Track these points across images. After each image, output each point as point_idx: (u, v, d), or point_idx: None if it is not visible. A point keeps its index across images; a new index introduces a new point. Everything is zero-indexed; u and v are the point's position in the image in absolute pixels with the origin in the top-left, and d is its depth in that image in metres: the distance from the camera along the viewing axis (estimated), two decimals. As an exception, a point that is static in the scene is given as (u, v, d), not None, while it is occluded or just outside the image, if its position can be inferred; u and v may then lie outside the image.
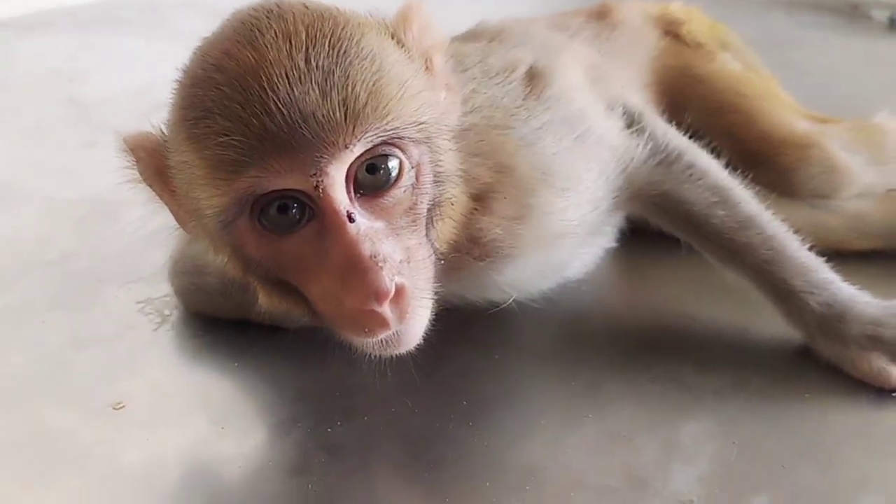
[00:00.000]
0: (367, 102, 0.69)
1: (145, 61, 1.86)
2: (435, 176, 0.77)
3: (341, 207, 0.70)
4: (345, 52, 0.70)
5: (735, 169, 1.01)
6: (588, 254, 1.04)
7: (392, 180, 0.73)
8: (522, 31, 1.07)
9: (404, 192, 0.74)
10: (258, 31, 0.70)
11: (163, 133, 0.77)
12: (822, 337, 0.89)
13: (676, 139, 0.96)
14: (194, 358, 0.96)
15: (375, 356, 0.77)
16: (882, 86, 1.67)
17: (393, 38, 0.76)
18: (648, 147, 0.94)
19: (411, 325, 0.74)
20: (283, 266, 0.75)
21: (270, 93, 0.67)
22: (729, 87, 1.18)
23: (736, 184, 0.95)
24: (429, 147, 0.75)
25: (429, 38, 0.79)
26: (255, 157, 0.67)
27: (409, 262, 0.74)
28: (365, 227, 0.71)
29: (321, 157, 0.68)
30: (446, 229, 0.81)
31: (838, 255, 0.96)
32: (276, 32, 0.70)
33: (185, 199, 0.76)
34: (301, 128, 0.67)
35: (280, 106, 0.67)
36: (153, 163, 0.77)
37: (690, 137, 1.01)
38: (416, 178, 0.75)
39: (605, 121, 0.95)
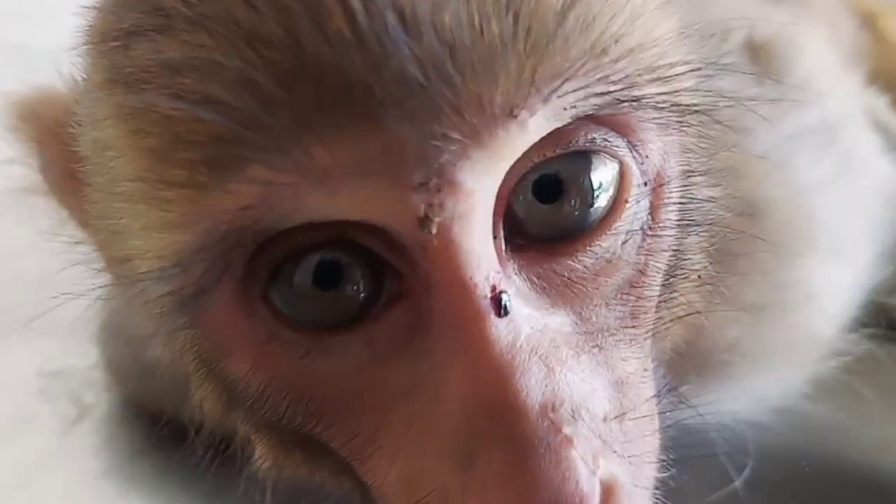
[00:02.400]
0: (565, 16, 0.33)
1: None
2: (685, 210, 0.40)
3: (478, 277, 0.34)
4: None
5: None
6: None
7: (600, 211, 0.37)
8: None
9: (624, 241, 0.38)
10: None
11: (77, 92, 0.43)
12: None
13: None
14: (126, 497, 0.57)
15: None
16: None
17: None
18: None
19: None
20: (313, 406, 0.39)
21: None
22: None
23: None
24: (680, 143, 0.39)
25: None
26: (272, 133, 0.32)
27: (622, 418, 0.37)
28: (531, 328, 0.35)
29: (448, 139, 0.32)
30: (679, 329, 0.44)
31: None
32: None
33: (104, 232, 0.41)
34: (408, 66, 0.31)
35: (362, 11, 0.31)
36: (58, 151, 0.44)
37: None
38: (652, 212, 0.39)
39: (866, 134, 0.62)
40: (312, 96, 0.31)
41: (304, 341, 0.36)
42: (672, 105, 0.36)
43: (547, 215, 0.36)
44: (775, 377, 0.55)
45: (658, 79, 0.36)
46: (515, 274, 0.35)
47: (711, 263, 0.45)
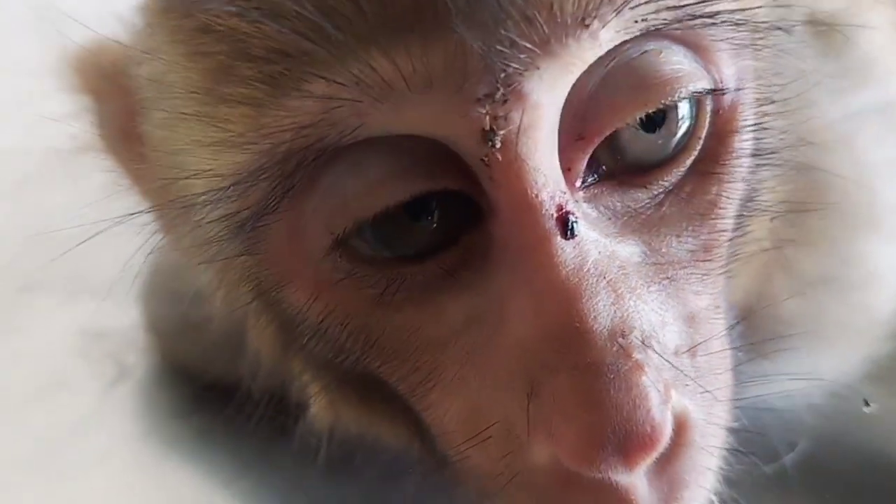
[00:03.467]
0: None
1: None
2: (759, 139, 0.39)
3: (544, 195, 0.33)
4: None
5: None
6: None
7: (677, 142, 0.36)
8: None
9: (695, 172, 0.37)
10: None
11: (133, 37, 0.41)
12: None
13: None
14: (166, 459, 0.56)
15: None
16: None
17: None
18: None
19: None
20: (379, 341, 0.37)
21: None
22: None
23: None
24: (755, 68, 0.39)
25: None
26: (332, 45, 0.31)
27: (694, 352, 0.36)
28: (599, 253, 0.34)
29: (516, 46, 0.31)
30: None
31: None
32: None
33: (165, 168, 0.39)
34: None
35: None
36: (119, 105, 0.43)
37: None
38: (725, 138, 0.37)
39: None
40: (376, 6, 0.30)
41: (373, 270, 0.35)
42: (748, 22, 0.35)
43: (640, 142, 0.35)
44: (832, 356, 0.54)
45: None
46: (584, 199, 0.35)
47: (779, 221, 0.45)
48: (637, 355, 0.32)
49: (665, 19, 0.32)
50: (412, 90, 0.30)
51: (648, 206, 0.35)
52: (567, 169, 0.34)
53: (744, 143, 0.37)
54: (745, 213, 0.39)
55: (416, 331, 0.36)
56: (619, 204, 0.35)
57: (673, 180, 0.36)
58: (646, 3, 0.32)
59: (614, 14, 0.31)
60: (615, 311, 0.33)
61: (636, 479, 0.33)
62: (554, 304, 0.33)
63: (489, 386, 0.35)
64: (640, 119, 0.34)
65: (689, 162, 0.36)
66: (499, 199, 0.33)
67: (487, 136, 0.31)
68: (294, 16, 0.30)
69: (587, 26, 0.31)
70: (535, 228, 0.33)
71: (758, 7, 0.36)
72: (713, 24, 0.34)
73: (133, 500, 0.54)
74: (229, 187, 0.34)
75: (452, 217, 0.34)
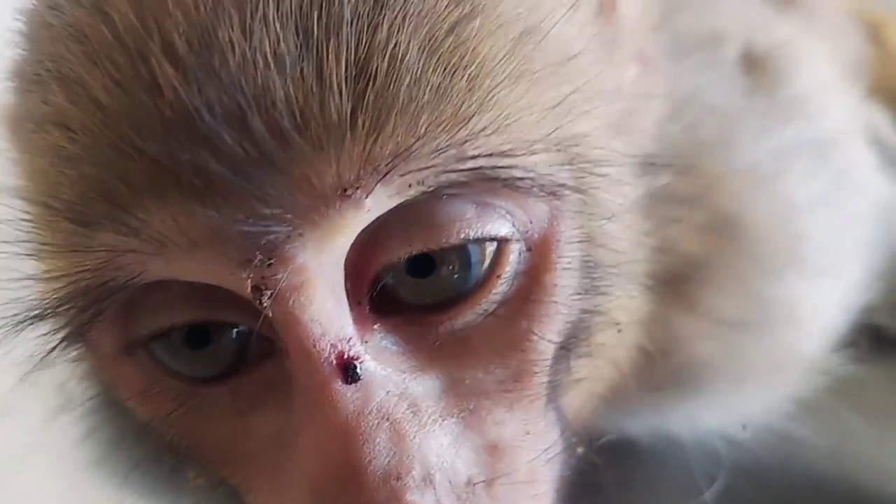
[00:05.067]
0: (425, 81, 0.33)
1: None
2: (588, 271, 0.39)
3: (322, 345, 0.34)
4: None
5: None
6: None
7: (476, 279, 0.36)
8: None
9: (500, 307, 0.37)
10: None
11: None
12: None
13: None
14: (106, 488, 0.54)
15: None
16: None
17: None
18: None
19: None
20: (193, 445, 0.41)
21: (181, 48, 0.32)
22: None
23: None
24: (584, 205, 0.39)
25: None
26: (122, 199, 0.33)
27: (492, 482, 0.37)
28: (387, 393, 0.35)
29: (275, 218, 0.32)
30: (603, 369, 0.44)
31: None
32: None
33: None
34: (238, 136, 0.31)
35: (197, 77, 0.32)
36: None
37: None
38: (535, 277, 0.37)
39: (863, 151, 0.60)
40: (148, 171, 0.31)
41: (181, 389, 0.38)
42: (537, 185, 0.35)
43: (418, 286, 0.35)
44: (755, 395, 0.53)
45: (514, 157, 0.34)
46: (381, 337, 0.35)
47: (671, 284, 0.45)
48: (410, 497, 0.33)
49: (448, 181, 0.33)
50: (181, 248, 0.32)
51: (451, 339, 0.36)
52: (357, 303, 0.35)
53: (561, 278, 0.37)
54: (575, 339, 0.39)
55: (228, 441, 0.37)
56: (417, 338, 0.36)
57: (473, 318, 0.36)
58: (419, 170, 0.32)
59: (378, 183, 0.31)
60: (394, 453, 0.34)
61: None
62: (334, 445, 0.34)
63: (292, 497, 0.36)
64: (412, 260, 0.35)
65: (491, 300, 0.36)
66: (285, 343, 0.34)
67: (255, 294, 0.33)
68: (86, 170, 0.32)
69: (348, 196, 0.31)
70: (316, 373, 0.34)
71: (571, 147, 0.36)
72: (500, 185, 0.34)
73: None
74: (50, 308, 0.36)
75: (256, 344, 0.36)
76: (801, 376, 0.54)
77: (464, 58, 0.34)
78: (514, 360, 0.37)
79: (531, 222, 0.36)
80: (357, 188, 0.32)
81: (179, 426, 0.39)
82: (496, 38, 0.35)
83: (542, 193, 0.36)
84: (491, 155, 0.34)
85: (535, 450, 0.38)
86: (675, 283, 0.46)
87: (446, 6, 0.34)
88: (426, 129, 0.32)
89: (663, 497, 0.53)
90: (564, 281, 0.37)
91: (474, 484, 0.36)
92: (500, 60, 0.35)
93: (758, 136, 0.52)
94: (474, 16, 0.35)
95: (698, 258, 0.47)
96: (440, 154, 0.32)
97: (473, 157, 0.33)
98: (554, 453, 0.39)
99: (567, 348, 0.39)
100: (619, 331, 0.41)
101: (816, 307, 0.53)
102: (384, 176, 0.32)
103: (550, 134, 0.36)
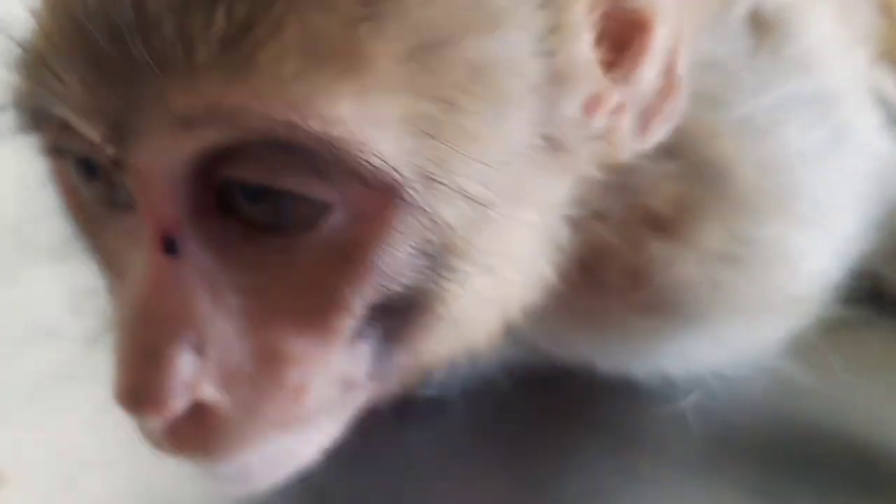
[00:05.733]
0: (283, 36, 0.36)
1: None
2: (435, 239, 0.41)
3: (157, 216, 0.40)
4: None
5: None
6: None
7: (296, 225, 0.40)
8: None
9: (318, 252, 0.40)
10: None
11: None
12: None
13: None
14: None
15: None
16: None
17: None
18: None
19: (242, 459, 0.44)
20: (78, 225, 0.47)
21: None
22: None
23: None
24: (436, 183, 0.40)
25: None
26: (53, 50, 0.39)
27: (257, 375, 0.42)
28: (198, 273, 0.40)
29: (131, 94, 0.37)
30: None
31: None
32: None
33: None
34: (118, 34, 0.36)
35: None
36: None
37: None
38: (356, 240, 0.40)
39: (866, 111, 0.62)
40: (69, 37, 0.38)
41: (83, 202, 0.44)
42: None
43: (250, 207, 0.39)
44: (745, 331, 0.57)
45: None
46: (210, 229, 0.40)
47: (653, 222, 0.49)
48: (173, 349, 0.39)
49: (293, 139, 0.37)
50: (69, 105, 0.39)
51: (275, 257, 0.39)
52: (199, 198, 0.39)
53: (384, 252, 0.39)
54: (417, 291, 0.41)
55: (103, 255, 0.45)
56: (244, 243, 0.39)
57: (292, 254, 0.40)
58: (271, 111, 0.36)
59: (222, 120, 0.36)
60: (181, 316, 0.39)
61: (164, 427, 0.40)
62: (141, 293, 0.39)
63: (122, 304, 0.42)
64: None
65: (310, 245, 0.39)
66: (137, 201, 0.40)
67: (114, 163, 0.39)
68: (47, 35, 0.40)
69: (191, 124, 0.36)
70: (150, 239, 0.39)
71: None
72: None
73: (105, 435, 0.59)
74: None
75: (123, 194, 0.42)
76: (793, 317, 0.57)
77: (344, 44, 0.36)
78: (321, 300, 0.40)
79: (358, 193, 0.38)
80: (196, 117, 0.36)
81: (85, 230, 0.46)
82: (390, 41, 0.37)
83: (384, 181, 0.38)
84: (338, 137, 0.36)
85: (320, 374, 0.41)
86: (659, 220, 0.50)
87: None
88: (280, 90, 0.35)
89: (657, 434, 0.57)
90: (387, 255, 0.39)
91: (240, 373, 0.40)
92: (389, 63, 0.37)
93: (757, 91, 0.54)
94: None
95: (682, 200, 0.50)
96: (288, 115, 0.36)
97: (319, 133, 0.36)
98: (352, 387, 0.43)
99: (395, 302, 0.41)
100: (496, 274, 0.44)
101: (804, 252, 0.55)
102: (233, 117, 0.36)
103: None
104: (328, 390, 0.42)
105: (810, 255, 0.55)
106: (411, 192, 0.38)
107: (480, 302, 0.44)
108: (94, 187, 0.43)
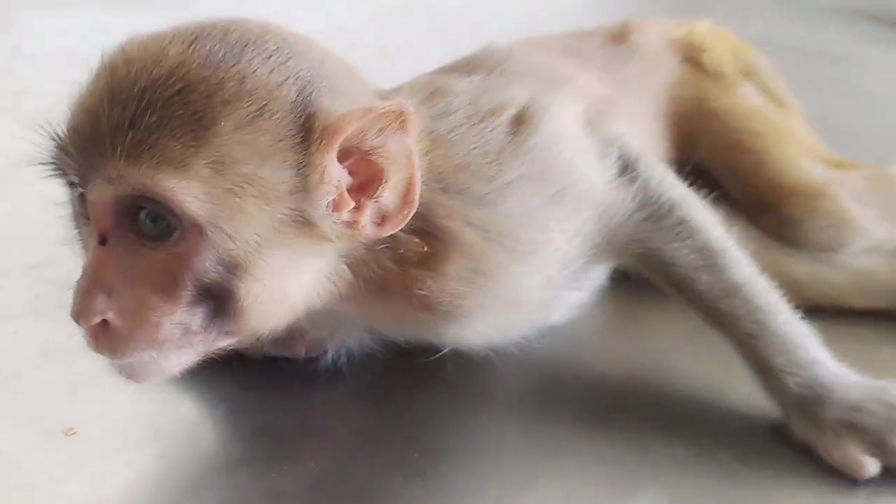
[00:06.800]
0: (152, 147, 0.66)
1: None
2: (222, 262, 0.69)
3: (98, 225, 0.70)
4: (184, 102, 0.67)
5: (743, 213, 1.05)
6: (571, 302, 1.00)
7: (159, 236, 0.69)
8: (527, 61, 0.97)
9: (168, 256, 0.69)
10: (160, 39, 0.71)
11: None
12: (798, 418, 0.86)
13: (672, 190, 0.89)
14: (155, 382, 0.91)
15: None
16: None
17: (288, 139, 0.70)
18: (637, 199, 0.87)
19: (136, 362, 0.72)
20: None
21: (103, 91, 0.69)
22: (743, 125, 1.13)
23: (730, 245, 0.89)
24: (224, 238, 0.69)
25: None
26: (67, 120, 0.71)
27: (145, 315, 0.70)
28: (116, 254, 0.69)
29: (90, 164, 0.68)
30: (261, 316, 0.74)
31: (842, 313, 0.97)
32: (165, 49, 0.70)
33: None
34: (95, 128, 0.68)
35: (99, 101, 0.68)
36: None
37: (699, 176, 0.98)
38: (181, 253, 0.69)
39: (594, 172, 0.88)
40: (73, 128, 0.69)
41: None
42: (207, 221, 0.68)
43: (143, 224, 0.68)
44: (498, 322, 0.87)
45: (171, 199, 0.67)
46: (126, 233, 0.69)
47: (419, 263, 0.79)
48: (98, 291, 0.68)
49: (142, 192, 0.67)
50: (68, 151, 0.69)
51: (156, 255, 0.68)
52: (123, 215, 0.68)
53: (195, 263, 0.69)
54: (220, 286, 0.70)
55: (82, 231, 0.78)
56: (140, 243, 0.69)
57: (148, 255, 0.69)
58: (137, 183, 0.67)
59: (123, 179, 0.66)
60: (104, 273, 0.68)
61: (90, 333, 0.69)
62: (88, 258, 0.70)
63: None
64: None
65: (163, 250, 0.69)
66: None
67: (78, 189, 0.71)
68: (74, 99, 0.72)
69: (112, 182, 0.67)
70: (95, 225, 0.69)
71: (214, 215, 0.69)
72: (165, 204, 0.68)
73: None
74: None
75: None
76: (528, 313, 0.89)
77: (173, 145, 0.66)
78: (170, 279, 0.69)
79: (186, 224, 0.66)
80: (115, 180, 0.66)
81: (79, 230, 0.78)
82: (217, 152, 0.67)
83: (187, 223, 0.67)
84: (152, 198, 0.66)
85: (168, 319, 0.69)
86: (423, 261, 0.78)
87: (188, 127, 0.66)
88: (142, 170, 0.65)
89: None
90: (198, 262, 0.68)
91: (128, 309, 0.68)
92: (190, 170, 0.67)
93: (493, 178, 0.79)
94: (212, 122, 0.66)
95: (429, 252, 0.78)
96: (142, 183, 0.65)
97: (161, 197, 0.65)
98: (191, 334, 0.71)
99: (211, 288, 0.69)
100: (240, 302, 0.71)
101: (522, 275, 0.82)
102: (125, 179, 0.65)
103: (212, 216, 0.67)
104: (173, 330, 0.69)
105: (528, 276, 0.84)
106: (210, 232, 0.66)
107: (269, 301, 0.71)
108: (81, 207, 0.71)
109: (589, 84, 0.99)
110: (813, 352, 0.86)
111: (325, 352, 0.92)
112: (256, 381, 0.93)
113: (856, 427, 0.83)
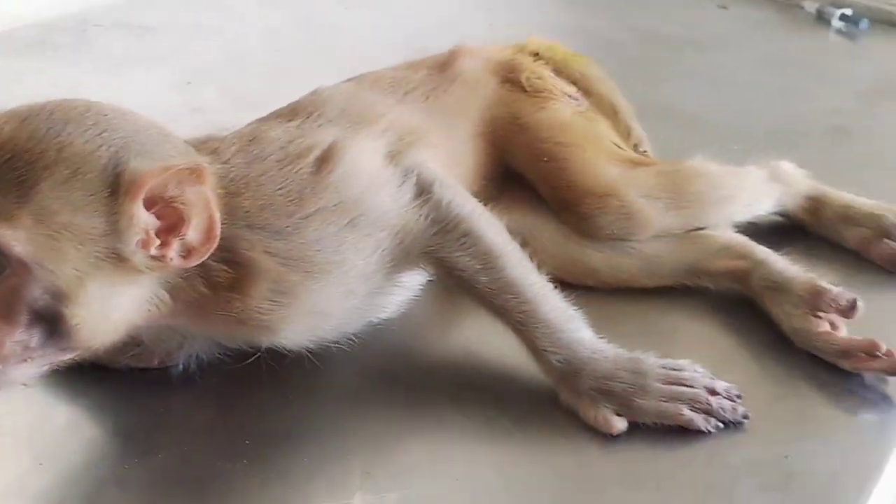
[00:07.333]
0: None
1: (80, 90, 1.81)
2: (48, 292, 0.82)
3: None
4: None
5: (550, 210, 1.22)
6: (395, 301, 1.14)
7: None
8: (345, 103, 1.10)
9: (4, 288, 0.81)
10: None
11: None
12: (562, 388, 1.03)
13: (460, 207, 1.01)
14: (28, 388, 1.02)
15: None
16: (806, 85, 1.90)
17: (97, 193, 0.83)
18: (430, 217, 0.99)
19: None
20: None
21: None
22: (550, 136, 1.26)
23: (509, 249, 1.04)
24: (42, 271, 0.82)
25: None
26: None
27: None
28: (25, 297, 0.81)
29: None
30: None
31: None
32: (1, 126, 0.83)
33: None
34: None
35: None
36: None
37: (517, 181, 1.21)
38: (21, 286, 0.81)
39: (390, 199, 0.99)
40: None
41: None
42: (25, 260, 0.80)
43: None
44: (306, 329, 0.99)
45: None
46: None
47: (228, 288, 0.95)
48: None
49: None
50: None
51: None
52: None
53: (20, 291, 0.81)
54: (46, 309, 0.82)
55: None
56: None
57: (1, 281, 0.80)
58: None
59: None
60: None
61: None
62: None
63: None
64: None
65: (3, 278, 0.80)
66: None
67: None
68: None
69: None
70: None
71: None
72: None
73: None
74: None
75: None
76: (334, 321, 1.00)
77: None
78: (7, 306, 0.80)
79: (14, 263, 0.78)
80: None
81: None
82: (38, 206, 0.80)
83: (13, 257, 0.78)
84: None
85: (9, 339, 0.81)
86: (232, 286, 0.91)
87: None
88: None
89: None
90: (26, 292, 0.80)
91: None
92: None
93: (293, 212, 0.92)
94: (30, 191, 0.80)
95: (237, 277, 0.91)
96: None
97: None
98: (31, 351, 0.83)
99: (44, 313, 0.81)
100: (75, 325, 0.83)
101: (319, 291, 0.95)
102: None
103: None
104: (14, 347, 0.80)
105: (326, 291, 0.95)
106: (35, 269, 0.77)
107: (94, 323, 0.83)
108: None
109: (398, 119, 1.12)
110: (574, 333, 1.03)
111: (178, 361, 1.07)
112: (121, 389, 1.07)
113: (607, 392, 1.00)
